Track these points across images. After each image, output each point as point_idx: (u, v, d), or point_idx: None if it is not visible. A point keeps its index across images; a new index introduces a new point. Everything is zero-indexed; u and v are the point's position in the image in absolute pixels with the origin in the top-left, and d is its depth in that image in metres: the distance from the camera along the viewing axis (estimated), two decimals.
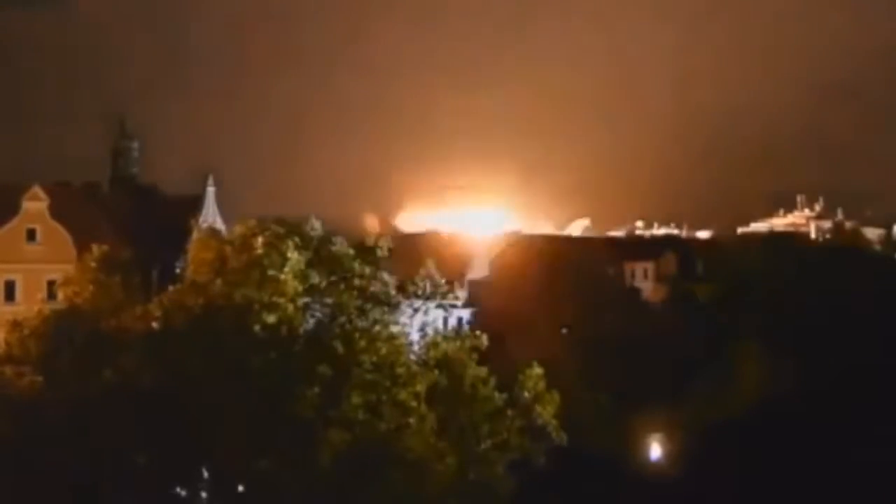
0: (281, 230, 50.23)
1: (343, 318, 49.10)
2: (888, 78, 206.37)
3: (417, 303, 51.24)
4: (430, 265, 51.86)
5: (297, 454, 47.12)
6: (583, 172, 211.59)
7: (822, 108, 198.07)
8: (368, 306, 49.46)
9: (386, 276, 50.33)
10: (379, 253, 50.57)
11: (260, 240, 50.06)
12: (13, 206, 79.76)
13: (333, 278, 49.66)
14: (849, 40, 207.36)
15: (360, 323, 48.97)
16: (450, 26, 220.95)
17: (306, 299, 49.31)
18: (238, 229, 51.17)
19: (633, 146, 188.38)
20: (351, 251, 50.38)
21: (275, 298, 48.38)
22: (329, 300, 49.33)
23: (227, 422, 47.15)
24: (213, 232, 53.37)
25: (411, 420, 48.24)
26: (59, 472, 46.11)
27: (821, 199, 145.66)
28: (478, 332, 51.95)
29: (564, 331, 77.86)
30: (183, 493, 49.88)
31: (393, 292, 50.23)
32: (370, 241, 51.27)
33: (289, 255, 48.63)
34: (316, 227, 50.99)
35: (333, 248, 50.18)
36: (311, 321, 49.52)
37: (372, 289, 49.69)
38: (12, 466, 46.40)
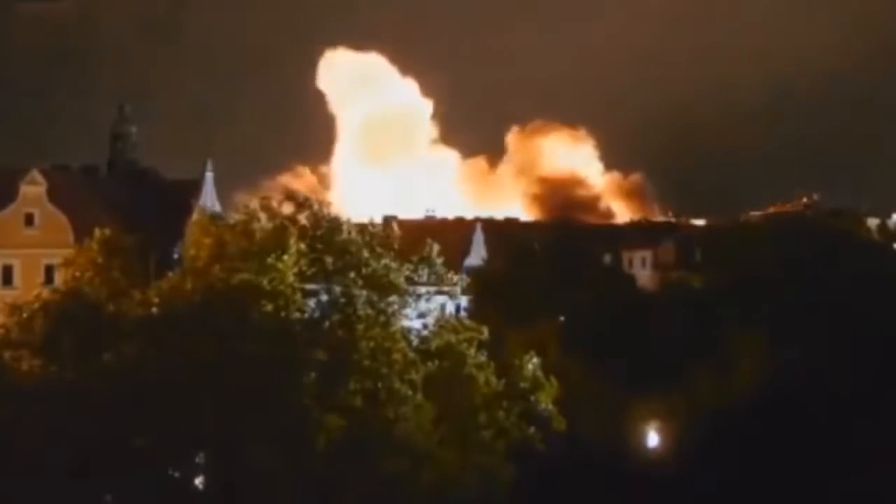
0: (287, 211, 50.33)
1: (344, 304, 49.08)
2: (887, 69, 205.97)
3: (420, 290, 51.21)
4: (433, 250, 51.57)
5: (293, 440, 47.16)
6: None
7: (820, 98, 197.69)
8: (375, 296, 49.44)
9: (392, 263, 50.23)
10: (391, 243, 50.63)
11: (263, 218, 50.01)
12: (11, 190, 79.64)
13: (340, 264, 49.63)
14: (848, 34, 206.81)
15: (363, 310, 48.93)
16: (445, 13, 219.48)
17: (310, 286, 49.30)
18: (239, 214, 51.16)
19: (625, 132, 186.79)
20: (358, 239, 50.31)
21: (274, 284, 48.38)
22: (337, 287, 49.28)
23: (224, 407, 47.19)
24: (214, 217, 53.18)
25: (408, 408, 48.25)
26: (57, 455, 46.15)
27: (814, 195, 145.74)
28: (478, 325, 51.94)
29: (562, 319, 77.72)
30: (179, 477, 49.96)
31: (401, 281, 50.14)
32: (379, 233, 51.24)
33: (290, 242, 48.60)
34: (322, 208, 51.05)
35: (341, 237, 50.12)
36: (312, 307, 49.51)
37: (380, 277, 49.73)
38: (12, 448, 46.45)
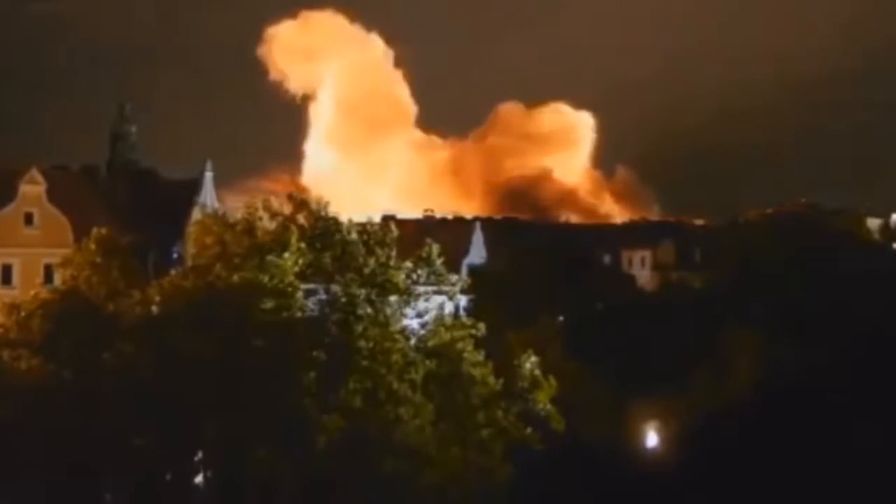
0: (288, 211, 50.32)
1: (344, 303, 49.05)
2: (888, 69, 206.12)
3: (419, 290, 51.15)
4: (433, 250, 51.45)
5: (293, 440, 47.17)
6: None
7: (821, 98, 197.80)
8: (374, 296, 49.39)
9: (391, 263, 50.16)
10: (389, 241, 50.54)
11: (265, 219, 50.00)
12: (11, 189, 79.64)
13: (339, 264, 49.56)
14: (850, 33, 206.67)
15: (362, 310, 48.90)
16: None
17: (309, 285, 49.26)
18: (241, 213, 51.13)
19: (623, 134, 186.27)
20: (358, 239, 50.19)
21: (275, 283, 48.37)
22: (336, 288, 49.22)
23: (224, 407, 47.20)
24: (217, 216, 53.11)
25: (408, 409, 48.21)
26: (57, 455, 46.16)
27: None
28: (475, 321, 51.88)
29: (562, 319, 77.79)
30: (179, 477, 49.96)
31: (401, 280, 50.05)
32: (378, 232, 51.09)
33: (291, 241, 48.58)
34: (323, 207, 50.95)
35: (342, 237, 50.02)
36: (312, 306, 49.49)
37: (381, 278, 49.66)
38: (11, 448, 46.46)
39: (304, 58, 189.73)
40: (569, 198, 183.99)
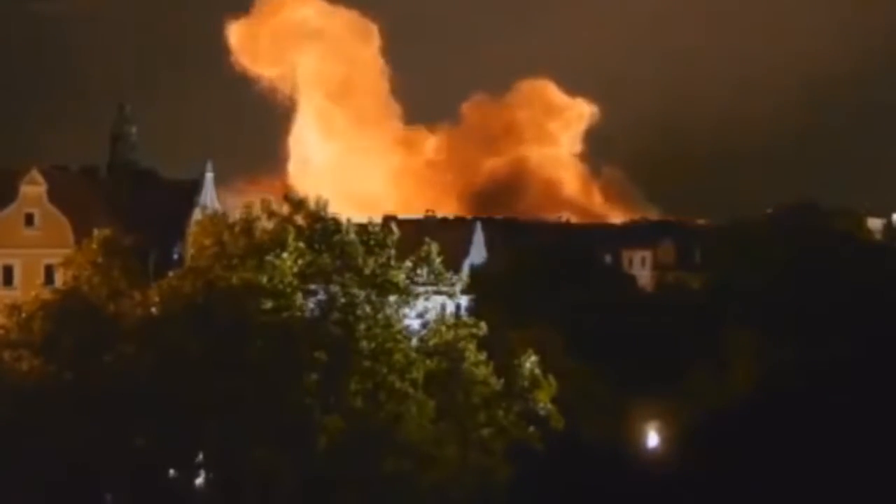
0: (285, 212, 50.33)
1: (344, 304, 49.06)
2: (887, 69, 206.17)
3: (418, 289, 51.17)
4: (432, 249, 51.44)
5: (293, 440, 47.21)
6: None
7: (821, 98, 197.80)
8: (374, 296, 49.39)
9: (391, 263, 50.17)
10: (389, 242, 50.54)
11: (263, 221, 50.05)
12: (11, 190, 79.65)
13: (339, 264, 49.57)
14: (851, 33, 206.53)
15: (361, 310, 48.92)
16: None
17: (310, 286, 49.28)
18: (239, 213, 51.18)
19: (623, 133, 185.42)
20: (357, 239, 50.14)
21: (274, 283, 48.41)
22: (335, 287, 49.22)
23: (224, 407, 47.24)
24: (215, 217, 53.14)
25: (409, 408, 48.26)
26: (58, 455, 46.22)
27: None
28: (476, 321, 51.92)
29: (562, 319, 77.64)
30: (179, 477, 50.02)
31: (404, 280, 50.04)
32: (378, 233, 51.03)
33: (289, 241, 48.61)
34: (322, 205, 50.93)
35: (341, 237, 50.00)
36: (312, 306, 49.51)
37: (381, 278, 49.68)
38: (12, 449, 46.51)
39: (272, 52, 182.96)
40: (553, 191, 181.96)
